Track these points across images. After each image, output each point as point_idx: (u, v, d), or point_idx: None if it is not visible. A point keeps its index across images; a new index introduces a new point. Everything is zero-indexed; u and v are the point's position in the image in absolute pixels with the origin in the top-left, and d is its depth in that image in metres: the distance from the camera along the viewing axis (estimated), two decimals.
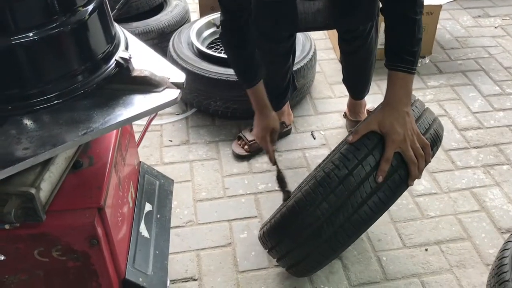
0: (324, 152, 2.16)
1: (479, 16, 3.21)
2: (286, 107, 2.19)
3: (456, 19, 3.16)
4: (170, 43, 2.37)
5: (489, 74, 2.67)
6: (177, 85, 1.11)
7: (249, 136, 2.14)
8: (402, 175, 1.31)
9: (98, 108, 1.04)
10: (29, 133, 0.99)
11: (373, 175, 1.30)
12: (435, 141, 1.38)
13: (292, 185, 1.92)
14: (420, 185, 2.01)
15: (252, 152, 2.13)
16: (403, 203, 1.93)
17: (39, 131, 0.99)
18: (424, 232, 1.82)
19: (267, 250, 1.55)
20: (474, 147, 2.21)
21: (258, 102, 1.74)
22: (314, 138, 2.24)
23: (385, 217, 1.87)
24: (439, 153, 2.16)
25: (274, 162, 1.81)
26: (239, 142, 2.16)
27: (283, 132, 2.21)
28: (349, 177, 1.30)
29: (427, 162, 1.34)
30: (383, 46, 2.68)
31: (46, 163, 1.03)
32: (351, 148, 1.32)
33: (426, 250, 1.76)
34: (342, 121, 2.32)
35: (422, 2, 1.40)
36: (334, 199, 1.31)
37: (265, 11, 1.76)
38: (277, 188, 1.84)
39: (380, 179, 1.29)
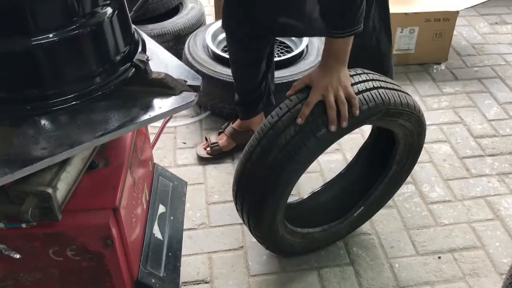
0: (338, 157, 2.16)
1: (496, 23, 3.19)
2: (259, 116, 2.11)
3: (473, 26, 3.14)
4: (186, 45, 2.38)
5: (505, 82, 2.65)
6: (193, 88, 1.12)
7: (213, 139, 2.14)
8: (326, 122, 1.37)
9: (115, 110, 1.05)
10: (47, 133, 1.00)
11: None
12: (374, 99, 1.40)
13: (305, 191, 1.92)
14: (434, 192, 2.00)
15: (214, 155, 2.13)
16: (417, 210, 1.92)
17: (57, 132, 1.00)
18: (437, 240, 1.81)
19: (240, 214, 1.59)
20: (489, 155, 2.19)
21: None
22: None
23: (398, 223, 1.86)
24: (454, 160, 2.15)
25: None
26: (204, 143, 2.17)
27: None
28: (278, 123, 1.40)
29: (353, 113, 1.38)
30: (399, 52, 2.66)
31: (63, 163, 1.04)
32: (287, 101, 1.43)
33: (439, 258, 1.75)
34: None
35: None
36: (265, 143, 1.41)
37: (233, 4, 1.78)
38: None
39: (299, 120, 1.37)
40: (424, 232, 1.84)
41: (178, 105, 1.08)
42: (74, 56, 1.01)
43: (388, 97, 1.43)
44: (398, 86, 1.52)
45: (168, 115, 1.08)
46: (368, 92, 1.41)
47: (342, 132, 1.39)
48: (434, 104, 2.48)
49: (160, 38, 2.50)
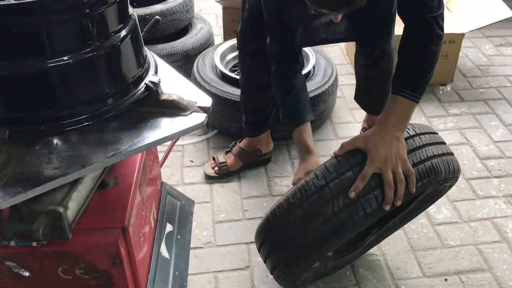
0: None
1: (501, 44, 3.21)
2: (265, 135, 2.15)
3: (478, 48, 3.16)
4: (194, 65, 2.41)
5: (511, 103, 2.66)
6: (203, 109, 1.14)
7: (221, 158, 2.15)
8: (378, 197, 1.28)
9: (126, 130, 1.06)
10: (60, 153, 1.02)
11: (348, 191, 1.29)
12: (427, 174, 1.33)
13: None
14: (441, 213, 1.99)
15: (221, 175, 2.14)
16: (423, 231, 1.92)
17: (69, 151, 1.02)
18: (444, 262, 1.80)
19: (258, 249, 1.54)
20: (496, 177, 2.19)
21: (302, 144, 1.67)
22: None
23: (404, 245, 1.86)
24: (460, 181, 2.14)
25: None
26: (212, 163, 2.18)
27: (259, 160, 2.18)
28: (325, 188, 1.30)
29: (410, 190, 1.30)
30: None
31: (74, 183, 1.06)
32: (334, 162, 1.33)
33: (446, 280, 1.74)
34: None
35: (440, 35, 1.39)
36: (308, 207, 1.31)
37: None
38: None
39: (352, 194, 1.27)
40: (431, 254, 1.83)
41: (188, 126, 1.10)
42: (88, 78, 1.03)
43: (440, 169, 1.34)
44: (444, 142, 1.45)
45: (178, 136, 1.10)
46: (422, 165, 1.32)
47: (392, 208, 1.29)
48: (440, 125, 2.49)
49: (170, 58, 2.53)
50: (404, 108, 1.38)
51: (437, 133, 1.47)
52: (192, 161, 2.25)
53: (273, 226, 1.41)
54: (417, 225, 1.94)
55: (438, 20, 1.38)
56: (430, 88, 2.76)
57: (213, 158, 2.19)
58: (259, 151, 2.16)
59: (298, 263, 1.40)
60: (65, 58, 0.98)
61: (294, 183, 1.63)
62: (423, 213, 1.98)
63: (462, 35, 2.64)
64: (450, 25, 2.70)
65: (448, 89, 2.75)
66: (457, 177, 1.48)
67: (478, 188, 2.12)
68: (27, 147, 1.01)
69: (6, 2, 0.94)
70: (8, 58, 0.97)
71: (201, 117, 1.12)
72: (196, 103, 1.14)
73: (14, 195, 0.92)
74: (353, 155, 1.33)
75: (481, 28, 2.78)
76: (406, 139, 1.36)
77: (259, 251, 1.53)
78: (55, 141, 1.04)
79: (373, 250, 1.84)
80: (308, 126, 1.66)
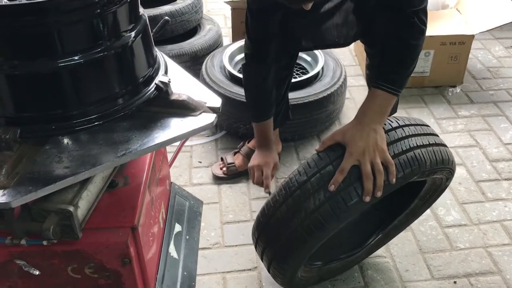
0: None
1: None
2: (274, 136, 2.11)
3: (488, 49, 3.14)
4: (203, 66, 2.42)
5: None
6: (213, 110, 1.14)
7: (229, 159, 2.15)
8: (358, 189, 1.29)
9: (136, 130, 1.07)
10: (70, 152, 1.02)
11: (328, 185, 1.30)
12: (410, 164, 1.32)
13: None
14: (450, 216, 1.98)
15: (230, 175, 2.14)
16: (432, 233, 1.91)
17: (80, 151, 1.02)
18: (453, 264, 1.79)
19: (254, 248, 1.55)
20: (506, 179, 2.17)
21: (264, 136, 1.75)
22: None
23: (413, 247, 1.85)
24: (470, 184, 2.13)
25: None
26: (220, 163, 2.18)
27: None
28: (306, 184, 1.32)
29: (390, 181, 1.29)
30: (414, 75, 2.66)
31: (84, 182, 1.06)
32: (316, 157, 1.35)
33: (455, 282, 1.73)
34: None
35: (422, 29, 1.38)
36: (292, 203, 1.33)
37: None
38: None
39: (331, 187, 1.28)
40: (440, 256, 1.82)
41: (197, 126, 1.09)
42: (99, 78, 1.03)
43: (425, 160, 1.33)
44: (434, 134, 1.43)
45: (188, 136, 1.09)
46: (404, 155, 1.32)
47: (373, 200, 1.30)
48: (450, 127, 2.48)
49: (178, 59, 2.54)
50: (383, 101, 1.38)
51: (427, 125, 1.46)
52: (200, 162, 2.26)
53: (263, 224, 1.43)
54: (426, 227, 1.93)
55: (419, 14, 1.37)
56: (440, 90, 2.75)
57: (221, 159, 2.19)
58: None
59: (288, 260, 1.42)
60: (76, 58, 0.98)
61: (253, 174, 1.79)
62: (432, 216, 1.98)
63: (472, 37, 2.63)
64: (460, 26, 2.69)
65: (458, 91, 2.74)
66: (450, 168, 1.46)
67: (487, 191, 2.11)
68: (37, 146, 1.02)
69: (17, 2, 0.95)
70: (19, 58, 0.97)
71: (211, 117, 1.12)
72: (206, 103, 1.14)
73: (25, 194, 0.92)
74: (333, 150, 1.35)
75: (491, 29, 2.77)
76: (388, 131, 1.37)
77: (256, 250, 1.54)
78: (66, 140, 1.04)
79: (382, 252, 1.83)
80: (270, 120, 1.76)
